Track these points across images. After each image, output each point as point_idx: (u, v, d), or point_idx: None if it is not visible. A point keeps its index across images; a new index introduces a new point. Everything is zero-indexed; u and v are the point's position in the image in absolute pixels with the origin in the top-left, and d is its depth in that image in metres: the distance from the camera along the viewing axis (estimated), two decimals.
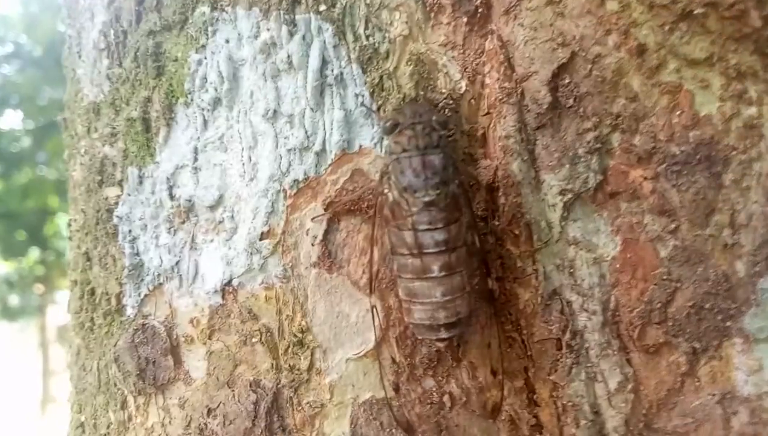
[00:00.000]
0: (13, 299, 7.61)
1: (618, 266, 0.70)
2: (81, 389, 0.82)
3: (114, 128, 0.77)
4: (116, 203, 0.77)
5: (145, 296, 0.76)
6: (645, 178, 0.69)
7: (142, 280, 0.76)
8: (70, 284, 0.86)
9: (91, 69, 0.79)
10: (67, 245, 0.88)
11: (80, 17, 0.82)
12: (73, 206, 0.84)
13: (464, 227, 0.68)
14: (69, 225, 0.87)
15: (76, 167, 0.83)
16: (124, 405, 0.76)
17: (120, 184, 0.77)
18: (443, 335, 0.67)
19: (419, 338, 0.70)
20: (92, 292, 0.80)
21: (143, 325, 0.75)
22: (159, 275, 0.75)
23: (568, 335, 0.71)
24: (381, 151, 0.71)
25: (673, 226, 0.69)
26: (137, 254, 0.75)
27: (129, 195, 0.76)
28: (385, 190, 0.68)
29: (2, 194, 6.14)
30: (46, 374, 7.92)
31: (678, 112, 0.68)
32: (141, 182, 0.76)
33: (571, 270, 0.71)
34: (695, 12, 0.65)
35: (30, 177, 6.06)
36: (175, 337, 0.74)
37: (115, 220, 0.77)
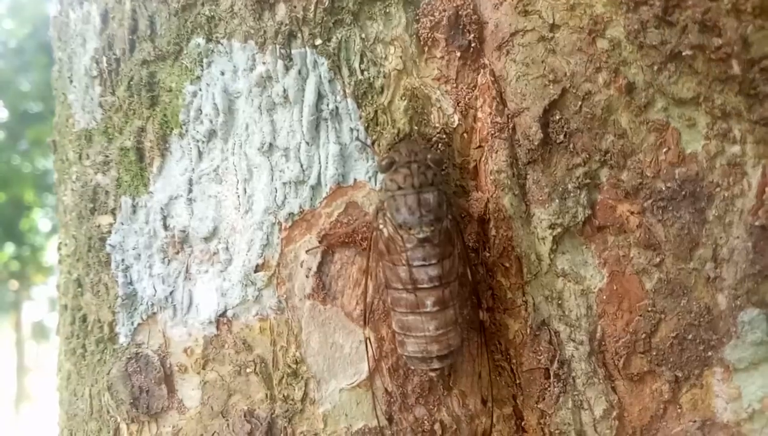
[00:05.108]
0: None
1: (604, 297, 0.72)
2: (72, 414, 0.81)
3: (107, 157, 0.76)
4: (109, 231, 0.76)
5: (139, 324, 0.75)
6: (632, 213, 0.71)
7: (136, 309, 0.75)
8: (60, 308, 0.86)
9: (83, 95, 0.78)
10: (57, 269, 0.87)
11: (71, 42, 0.81)
12: (64, 231, 0.83)
13: (457, 261, 0.69)
14: (59, 249, 0.86)
15: (67, 192, 0.82)
16: (116, 433, 0.76)
17: (113, 212, 0.76)
18: (435, 365, 0.69)
19: (412, 368, 0.71)
20: (84, 318, 0.79)
21: (137, 354, 0.74)
22: (153, 304, 0.74)
23: (555, 365, 0.72)
24: (375, 184, 0.71)
25: (658, 259, 0.71)
26: (130, 283, 0.75)
27: (122, 224, 0.76)
28: (380, 226, 0.69)
29: None
30: (20, 371, 7.81)
31: (665, 150, 0.70)
32: (134, 212, 0.75)
33: (560, 301, 0.73)
34: (683, 53, 0.67)
35: (5, 171, 5.94)
36: (168, 366, 0.74)
37: (108, 248, 0.76)
